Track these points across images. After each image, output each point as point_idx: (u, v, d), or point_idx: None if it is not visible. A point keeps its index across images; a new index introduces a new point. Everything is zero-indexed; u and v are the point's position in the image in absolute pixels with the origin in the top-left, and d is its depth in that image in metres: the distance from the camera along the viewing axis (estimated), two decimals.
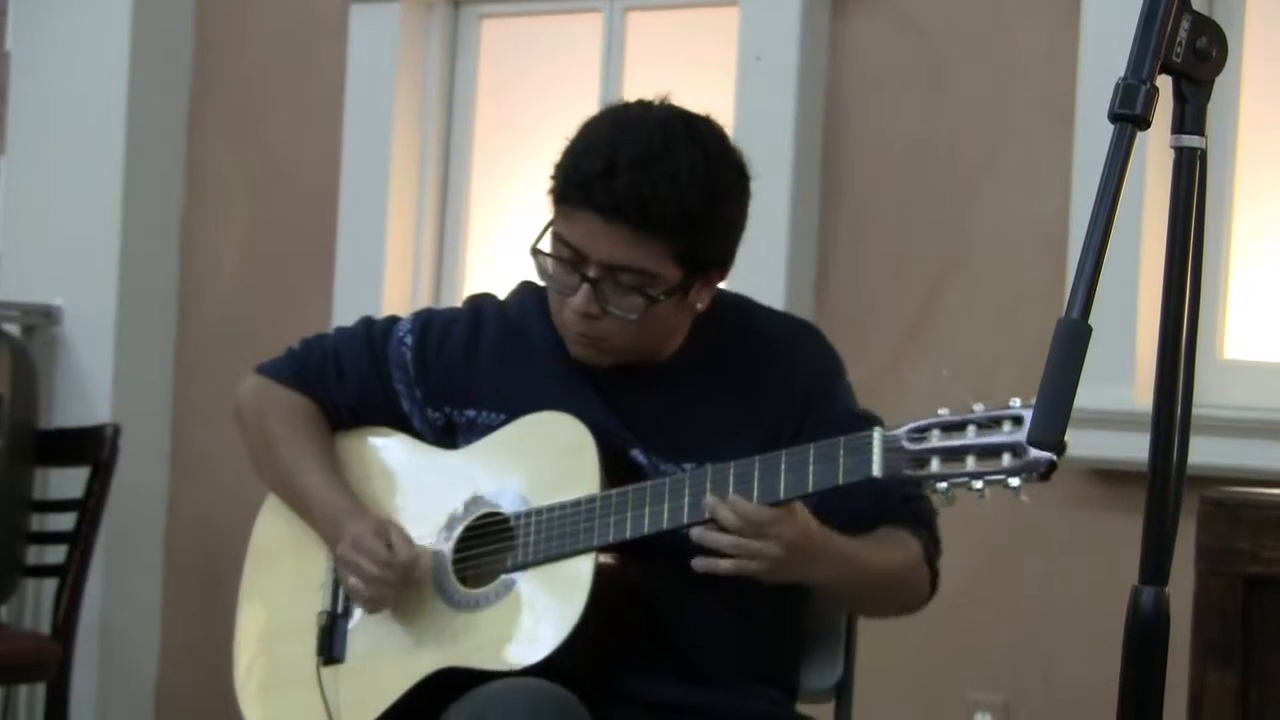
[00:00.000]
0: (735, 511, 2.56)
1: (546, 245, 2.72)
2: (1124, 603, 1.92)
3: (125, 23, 4.99)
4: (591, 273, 2.67)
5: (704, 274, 2.72)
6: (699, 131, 2.70)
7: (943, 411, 2.49)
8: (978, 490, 2.45)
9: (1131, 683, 1.89)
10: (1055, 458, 2.41)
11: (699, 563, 2.58)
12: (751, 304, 2.90)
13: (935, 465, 2.47)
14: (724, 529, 2.57)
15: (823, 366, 2.81)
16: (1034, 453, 2.41)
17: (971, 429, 2.46)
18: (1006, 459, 2.44)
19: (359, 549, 2.75)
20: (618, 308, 2.68)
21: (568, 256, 2.69)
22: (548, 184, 2.73)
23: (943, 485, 2.47)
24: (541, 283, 2.79)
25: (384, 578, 2.74)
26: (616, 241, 2.65)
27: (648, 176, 2.63)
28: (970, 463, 2.46)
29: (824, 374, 2.80)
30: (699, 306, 2.76)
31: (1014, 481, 2.43)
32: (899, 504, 2.74)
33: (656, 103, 2.74)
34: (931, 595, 2.79)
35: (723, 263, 2.75)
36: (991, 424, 2.46)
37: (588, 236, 2.66)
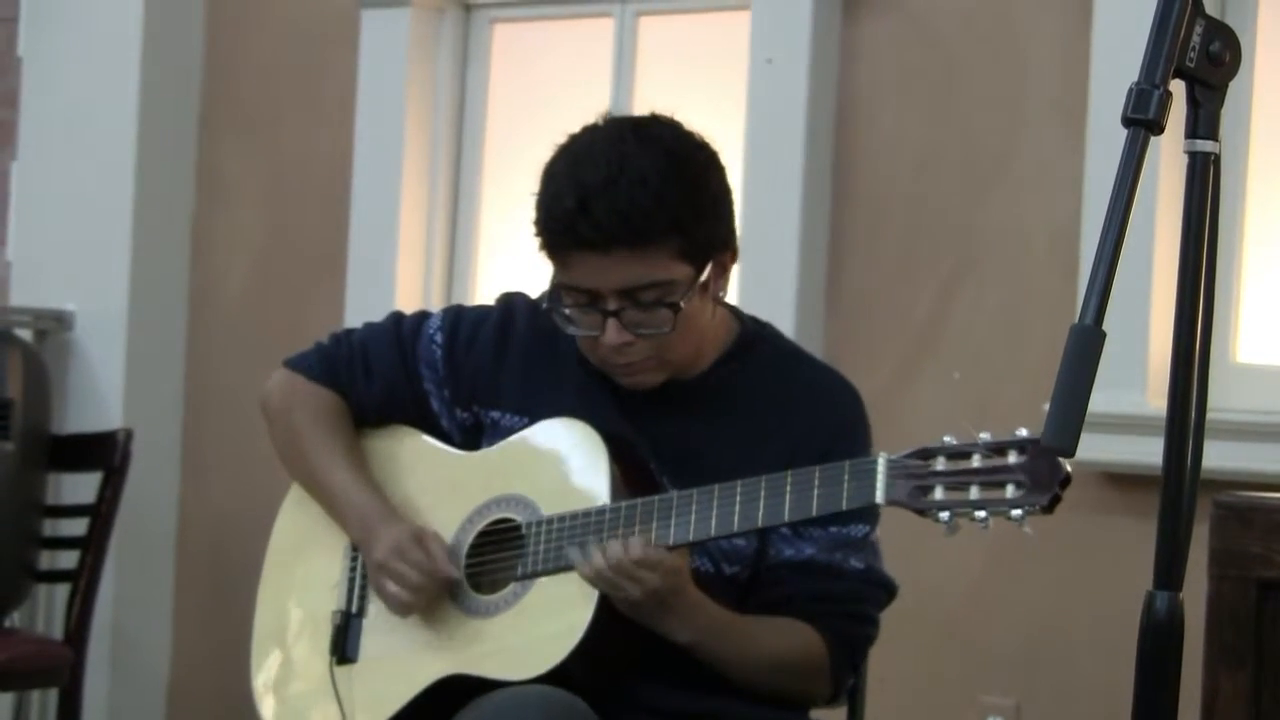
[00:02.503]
0: (608, 556, 2.58)
1: (559, 300, 2.72)
2: (1136, 607, 1.91)
3: (136, 27, 5.00)
4: (611, 305, 2.67)
5: (714, 261, 2.72)
6: (649, 132, 2.71)
7: (948, 438, 2.49)
8: (981, 520, 2.44)
9: (1146, 688, 1.89)
10: (1060, 491, 2.40)
11: (574, 555, 2.63)
12: (803, 353, 2.90)
13: (939, 493, 2.46)
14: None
15: (852, 428, 2.80)
16: (1039, 483, 2.40)
17: (977, 456, 2.45)
18: (1010, 490, 2.42)
19: (402, 557, 2.75)
20: (648, 327, 2.68)
21: (583, 301, 2.69)
22: (534, 242, 2.72)
23: (945, 515, 2.45)
24: None
25: (427, 587, 2.75)
26: (619, 266, 2.65)
27: (620, 194, 2.63)
28: (974, 492, 2.44)
29: (850, 435, 2.78)
30: (722, 295, 2.77)
31: (1016, 513, 2.41)
32: (841, 619, 2.73)
33: (600, 123, 2.75)
34: (829, 702, 2.80)
35: (726, 244, 2.74)
36: (997, 451, 2.45)
37: (592, 273, 2.66)
